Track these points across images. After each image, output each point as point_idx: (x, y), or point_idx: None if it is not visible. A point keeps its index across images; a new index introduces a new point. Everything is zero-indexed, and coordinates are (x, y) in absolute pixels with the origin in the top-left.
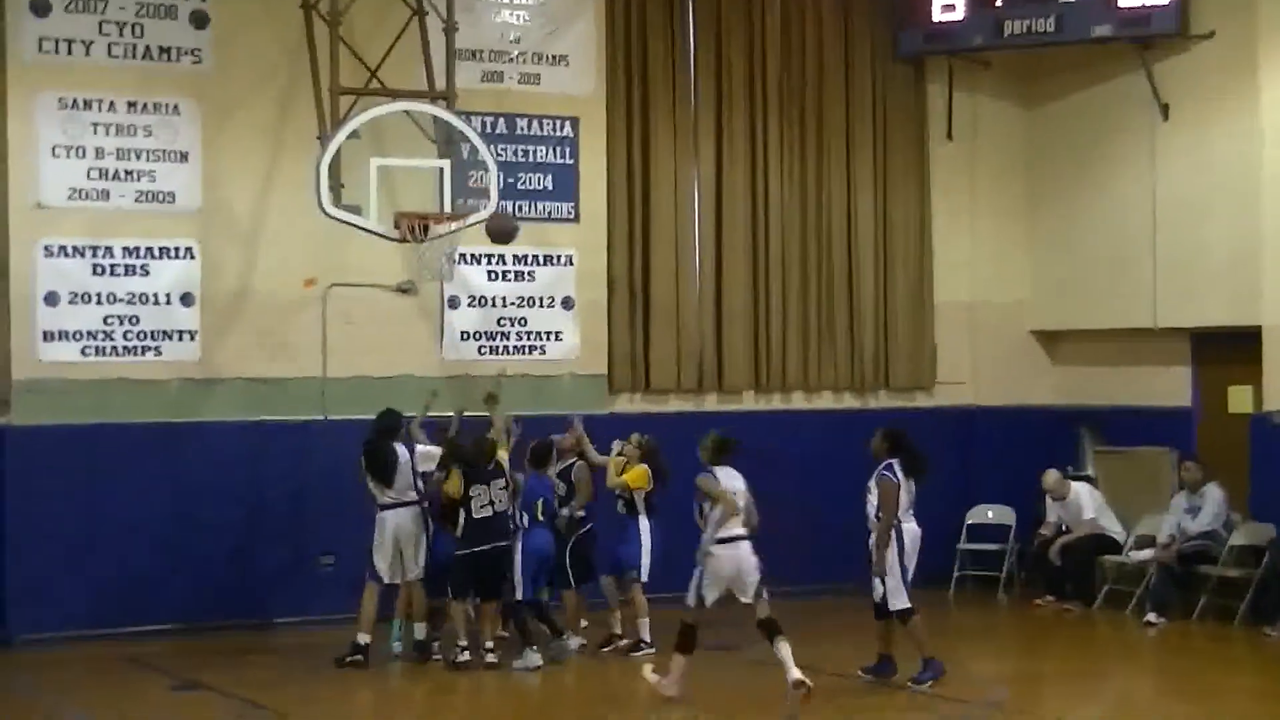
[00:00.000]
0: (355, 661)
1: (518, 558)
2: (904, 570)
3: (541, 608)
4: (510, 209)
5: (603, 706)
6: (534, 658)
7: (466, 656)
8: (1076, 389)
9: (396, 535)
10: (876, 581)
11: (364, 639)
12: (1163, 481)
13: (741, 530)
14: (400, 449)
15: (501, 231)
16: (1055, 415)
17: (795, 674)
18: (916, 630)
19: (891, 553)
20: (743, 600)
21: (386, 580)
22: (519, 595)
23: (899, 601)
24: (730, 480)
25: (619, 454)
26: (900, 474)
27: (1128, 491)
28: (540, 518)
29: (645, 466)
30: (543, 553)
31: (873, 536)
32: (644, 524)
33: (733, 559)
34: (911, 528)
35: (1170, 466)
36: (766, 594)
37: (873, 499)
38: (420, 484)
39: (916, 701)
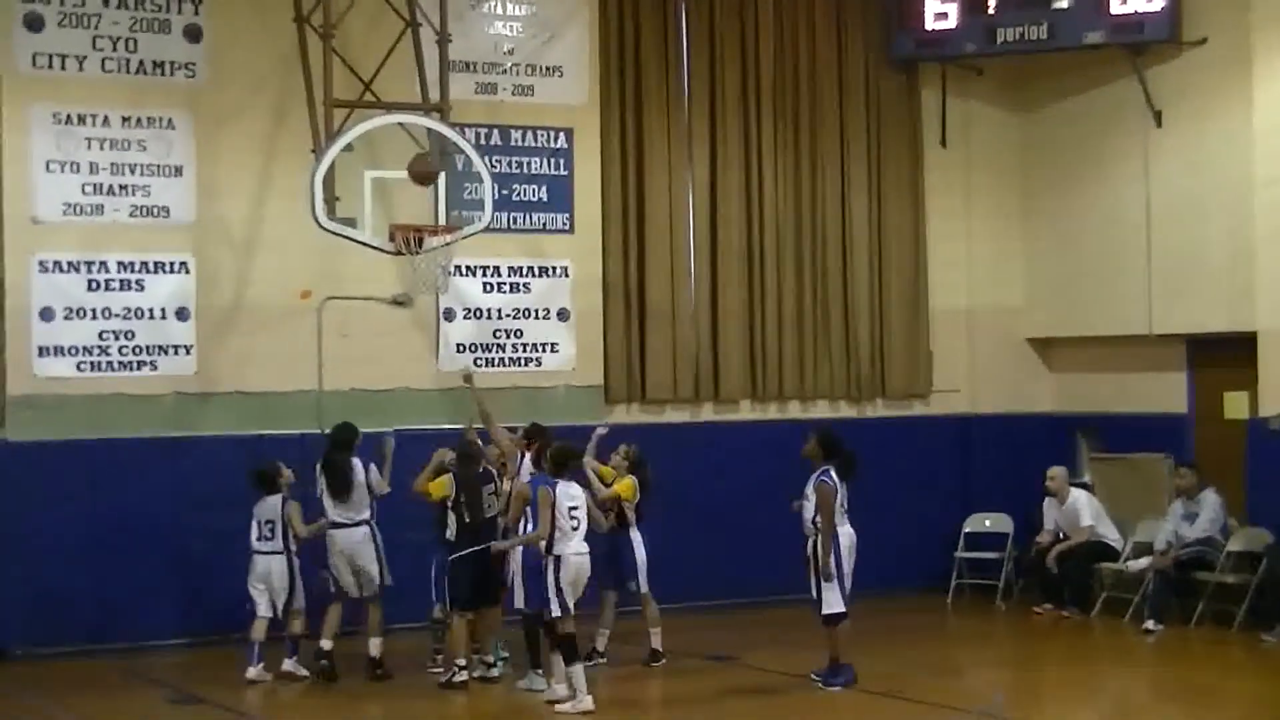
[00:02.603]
0: (324, 668)
1: (514, 566)
2: (842, 575)
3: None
4: (505, 220)
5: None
6: (539, 681)
7: (465, 676)
8: (1072, 396)
9: (350, 555)
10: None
11: (325, 644)
12: (1159, 488)
13: (584, 545)
14: (357, 464)
15: (423, 175)
16: (1051, 422)
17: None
18: (839, 635)
19: (832, 558)
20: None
21: (353, 595)
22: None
23: (834, 605)
24: (568, 492)
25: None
26: (836, 478)
27: (1125, 498)
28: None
29: (633, 478)
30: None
31: (808, 543)
32: (635, 535)
33: (581, 565)
34: (847, 530)
35: (1167, 473)
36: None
37: (810, 505)
38: (374, 503)
39: (916, 711)
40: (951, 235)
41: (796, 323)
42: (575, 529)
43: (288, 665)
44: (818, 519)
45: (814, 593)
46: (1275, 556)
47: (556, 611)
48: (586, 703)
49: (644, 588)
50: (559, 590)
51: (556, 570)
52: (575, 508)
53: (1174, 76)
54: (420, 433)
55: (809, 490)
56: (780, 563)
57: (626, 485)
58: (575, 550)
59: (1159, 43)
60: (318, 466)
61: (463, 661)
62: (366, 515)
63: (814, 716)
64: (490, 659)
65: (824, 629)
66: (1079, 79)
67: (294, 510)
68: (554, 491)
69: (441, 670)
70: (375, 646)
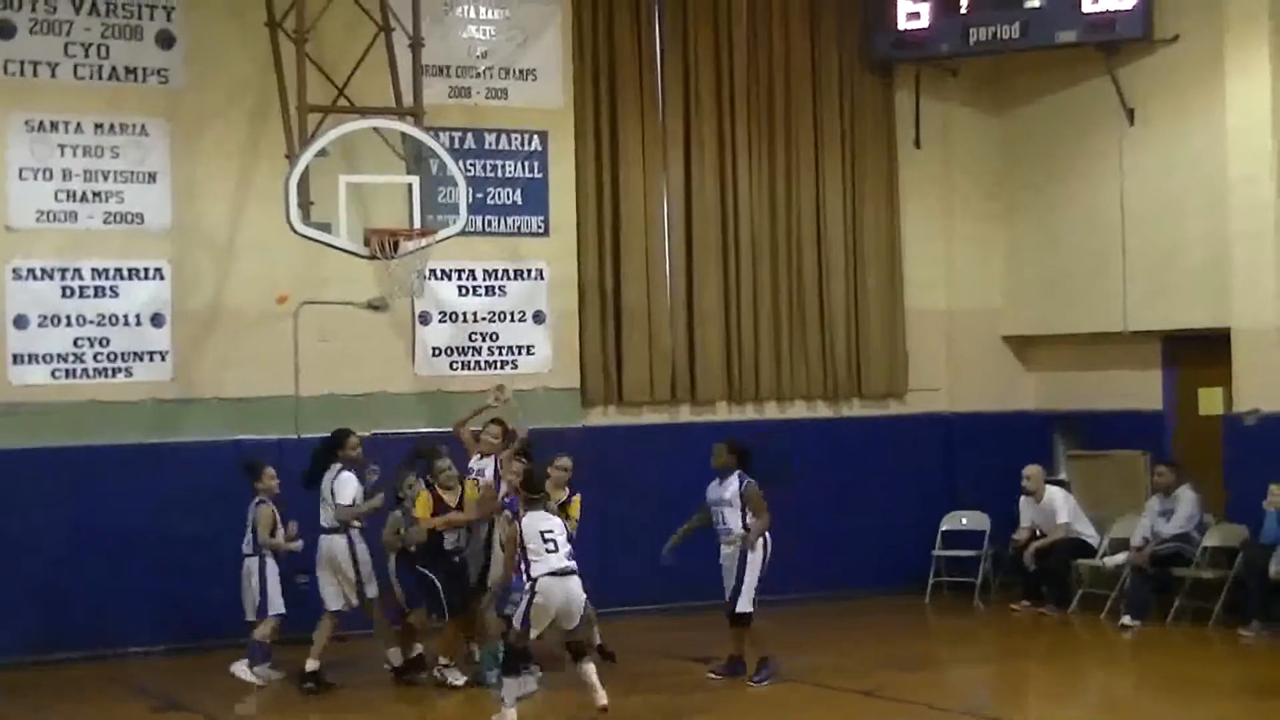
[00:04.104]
0: (309, 689)
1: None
2: (761, 579)
3: None
4: (480, 223)
5: None
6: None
7: (461, 679)
8: (1050, 394)
9: (328, 561)
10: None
11: (308, 664)
12: (1136, 484)
13: (569, 563)
14: (329, 474)
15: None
16: (1029, 420)
17: (602, 698)
18: (755, 634)
19: (759, 558)
20: (567, 628)
21: (334, 608)
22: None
23: (747, 605)
24: (539, 524)
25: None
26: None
27: (1101, 495)
28: None
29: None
30: None
31: (729, 548)
32: None
33: (562, 590)
34: (768, 535)
35: (1143, 469)
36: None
37: (734, 511)
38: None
39: (895, 710)
40: (928, 235)
41: (773, 323)
42: (551, 551)
43: (237, 668)
44: (751, 520)
45: (730, 594)
46: (1251, 552)
47: (518, 626)
48: (510, 716)
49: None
50: (526, 613)
51: (532, 595)
52: (548, 531)
53: (1147, 75)
54: (398, 436)
55: (729, 496)
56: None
57: (577, 503)
58: (549, 571)
59: (1132, 41)
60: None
61: (445, 661)
62: (333, 524)
63: (793, 715)
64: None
65: (733, 629)
66: (1052, 78)
67: (262, 514)
68: (520, 524)
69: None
70: (395, 655)
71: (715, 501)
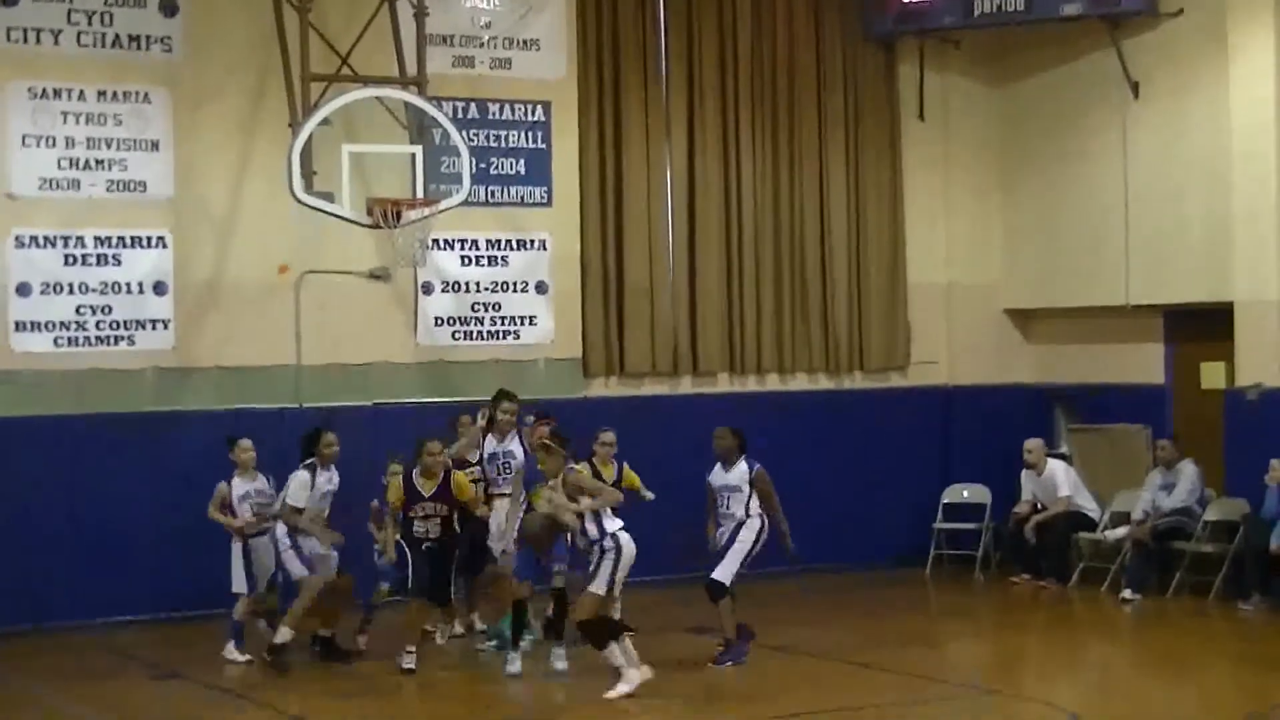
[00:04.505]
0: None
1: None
2: (749, 556)
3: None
4: (483, 194)
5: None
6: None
7: (413, 664)
8: (1050, 367)
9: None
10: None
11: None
12: (1137, 458)
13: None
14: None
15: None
16: (1030, 394)
17: (645, 671)
18: (729, 609)
19: (751, 537)
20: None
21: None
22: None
23: (724, 575)
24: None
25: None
26: None
27: (1102, 468)
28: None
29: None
30: None
31: (734, 530)
32: None
33: (630, 544)
34: (764, 519)
35: (1145, 443)
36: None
37: (739, 496)
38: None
39: (895, 683)
40: (929, 208)
41: (775, 296)
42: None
43: (226, 649)
44: (751, 506)
45: (718, 569)
46: (1252, 526)
47: (602, 590)
48: (635, 676)
49: None
50: (613, 574)
51: (617, 552)
52: None
53: (1151, 48)
54: (399, 406)
55: (739, 482)
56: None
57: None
58: (620, 526)
59: (1136, 14)
60: None
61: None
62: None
63: (794, 688)
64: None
65: (717, 606)
66: (1056, 51)
67: (217, 492)
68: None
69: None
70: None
71: (721, 487)
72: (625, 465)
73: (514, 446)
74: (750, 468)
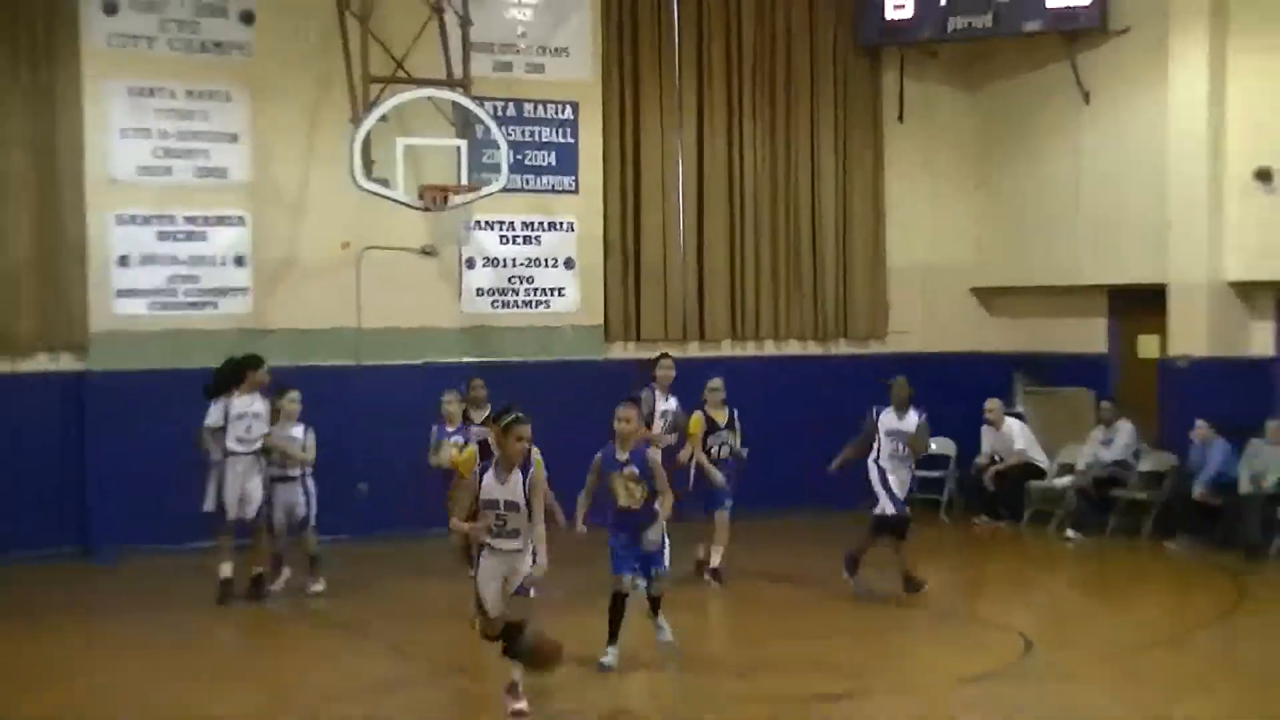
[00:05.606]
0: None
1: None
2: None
3: None
4: (519, 182)
5: None
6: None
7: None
8: (1009, 338)
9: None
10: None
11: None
12: (1082, 417)
13: None
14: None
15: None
16: (991, 360)
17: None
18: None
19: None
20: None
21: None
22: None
23: (894, 509)
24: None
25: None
26: None
27: (1052, 426)
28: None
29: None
30: None
31: (902, 471)
32: None
33: None
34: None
35: (1089, 404)
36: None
37: (898, 441)
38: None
39: (873, 609)
40: (908, 199)
41: (772, 273)
42: None
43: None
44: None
45: (889, 503)
46: (1178, 477)
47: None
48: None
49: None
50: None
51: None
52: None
53: (1100, 61)
54: (445, 365)
55: (907, 428)
56: (758, 479)
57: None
58: None
59: (1089, 31)
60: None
61: None
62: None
63: (783, 615)
64: None
65: (903, 539)
66: (1019, 62)
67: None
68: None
69: None
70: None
71: (895, 432)
72: (736, 412)
73: (673, 403)
74: (920, 415)
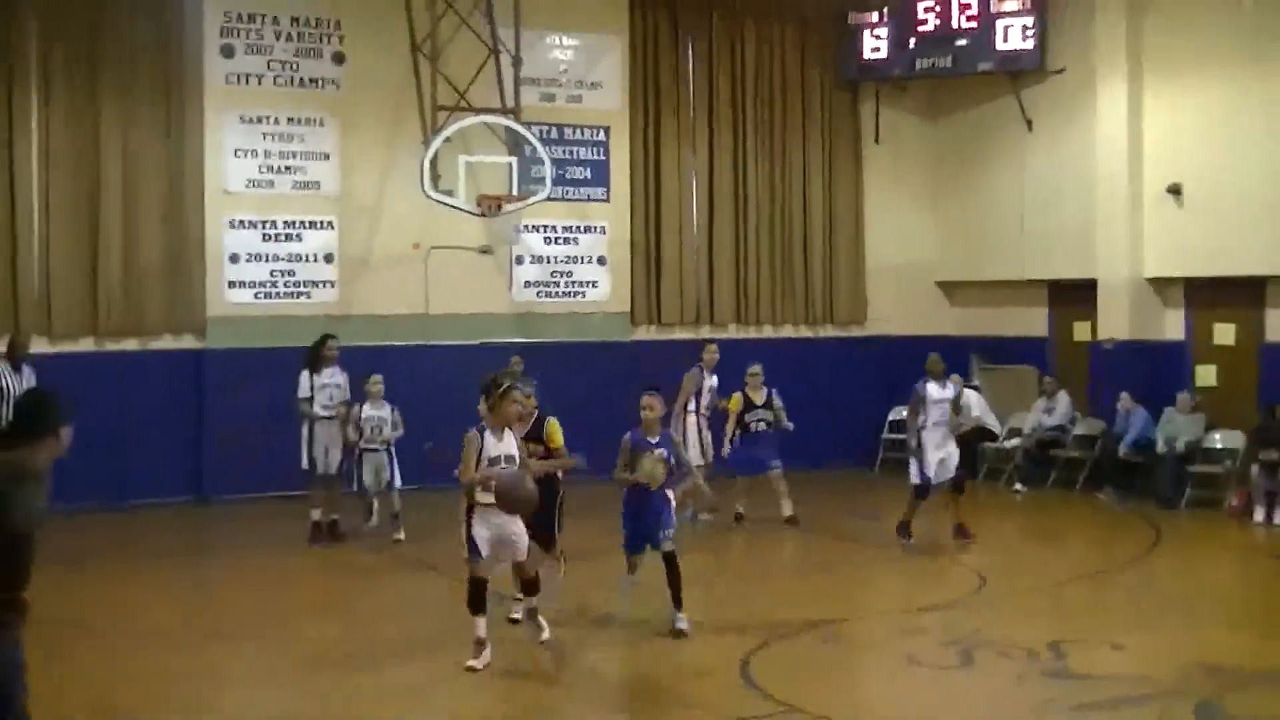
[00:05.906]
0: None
1: None
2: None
3: None
4: (560, 192)
5: None
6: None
7: None
8: (968, 324)
9: None
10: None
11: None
12: (1028, 390)
13: None
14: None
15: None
16: (953, 343)
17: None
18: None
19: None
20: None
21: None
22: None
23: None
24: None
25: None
26: None
27: (1003, 397)
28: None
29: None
30: None
31: (947, 440)
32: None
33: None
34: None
35: (1033, 379)
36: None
37: (943, 408)
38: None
39: (852, 545)
40: (883, 208)
41: (770, 269)
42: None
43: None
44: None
45: (918, 476)
46: (1106, 440)
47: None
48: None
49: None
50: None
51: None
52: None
53: (1041, 96)
54: (498, 345)
55: (951, 396)
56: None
57: (736, 400)
58: None
59: (1031, 71)
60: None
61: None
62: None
63: (780, 551)
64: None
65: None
66: (974, 95)
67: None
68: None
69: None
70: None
71: (940, 400)
72: (774, 391)
73: (714, 380)
74: (968, 386)
